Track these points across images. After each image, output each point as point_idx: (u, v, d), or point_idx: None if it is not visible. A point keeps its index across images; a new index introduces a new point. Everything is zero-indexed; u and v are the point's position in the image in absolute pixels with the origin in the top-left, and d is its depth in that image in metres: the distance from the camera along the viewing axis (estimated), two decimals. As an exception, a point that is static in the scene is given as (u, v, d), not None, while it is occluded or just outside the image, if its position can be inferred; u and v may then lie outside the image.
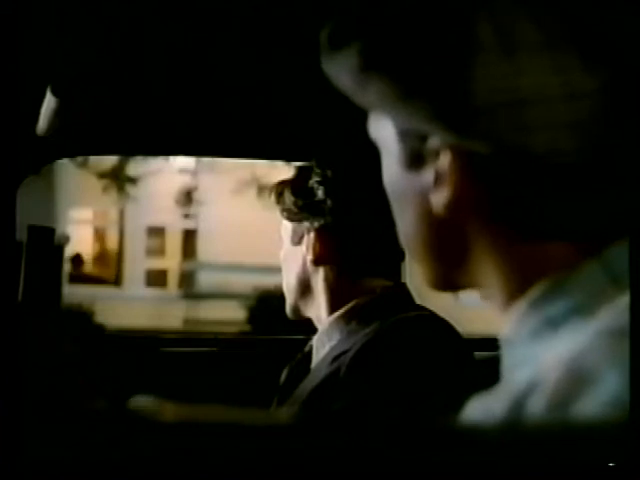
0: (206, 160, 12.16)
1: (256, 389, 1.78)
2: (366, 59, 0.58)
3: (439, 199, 0.59)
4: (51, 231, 1.41)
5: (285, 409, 1.45)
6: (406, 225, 0.65)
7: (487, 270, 0.61)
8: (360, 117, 0.65)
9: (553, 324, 0.56)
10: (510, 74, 0.54)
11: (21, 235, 1.40)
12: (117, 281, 14.93)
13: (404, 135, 0.61)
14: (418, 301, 1.49)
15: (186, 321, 12.36)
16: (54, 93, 1.35)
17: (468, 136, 0.55)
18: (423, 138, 0.59)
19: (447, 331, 1.39)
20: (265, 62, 1.32)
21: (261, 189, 12.63)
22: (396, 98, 0.57)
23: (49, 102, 1.38)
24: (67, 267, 12.64)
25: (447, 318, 1.42)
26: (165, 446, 0.44)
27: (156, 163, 12.55)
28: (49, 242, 1.40)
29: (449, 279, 0.65)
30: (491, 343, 1.92)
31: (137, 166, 12.54)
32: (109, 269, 15.14)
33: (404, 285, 1.51)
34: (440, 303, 1.51)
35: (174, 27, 1.16)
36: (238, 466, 0.44)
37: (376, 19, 0.59)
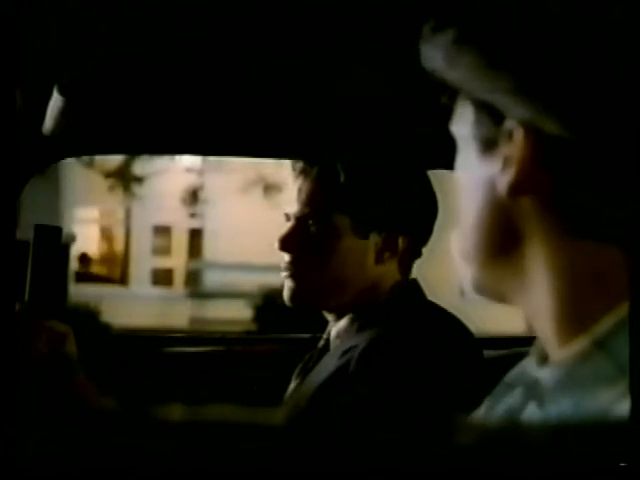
0: (212, 159, 12.15)
1: (263, 388, 1.78)
2: (460, 33, 0.62)
3: (504, 180, 0.60)
4: (58, 230, 1.41)
5: (292, 406, 1.44)
6: (468, 215, 0.66)
7: (538, 277, 0.61)
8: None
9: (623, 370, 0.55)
10: (586, 62, 0.56)
11: (28, 234, 1.40)
12: (123, 280, 14.93)
13: (480, 122, 0.63)
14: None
15: (192, 320, 12.35)
16: (60, 92, 1.35)
17: (544, 112, 0.57)
18: (498, 122, 0.61)
19: (458, 328, 1.39)
20: (271, 61, 1.31)
21: (267, 188, 12.63)
22: (483, 70, 0.60)
23: (55, 101, 1.38)
24: (73, 266, 12.65)
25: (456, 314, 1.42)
26: (172, 445, 0.44)
27: (162, 162, 12.55)
28: (56, 241, 1.40)
29: (498, 282, 0.65)
30: (497, 342, 1.92)
31: (143, 165, 12.54)
32: (115, 268, 15.15)
33: (416, 281, 1.51)
34: (447, 300, 1.51)
35: (181, 26, 1.16)
36: (246, 465, 0.44)
37: (473, 8, 0.62)
